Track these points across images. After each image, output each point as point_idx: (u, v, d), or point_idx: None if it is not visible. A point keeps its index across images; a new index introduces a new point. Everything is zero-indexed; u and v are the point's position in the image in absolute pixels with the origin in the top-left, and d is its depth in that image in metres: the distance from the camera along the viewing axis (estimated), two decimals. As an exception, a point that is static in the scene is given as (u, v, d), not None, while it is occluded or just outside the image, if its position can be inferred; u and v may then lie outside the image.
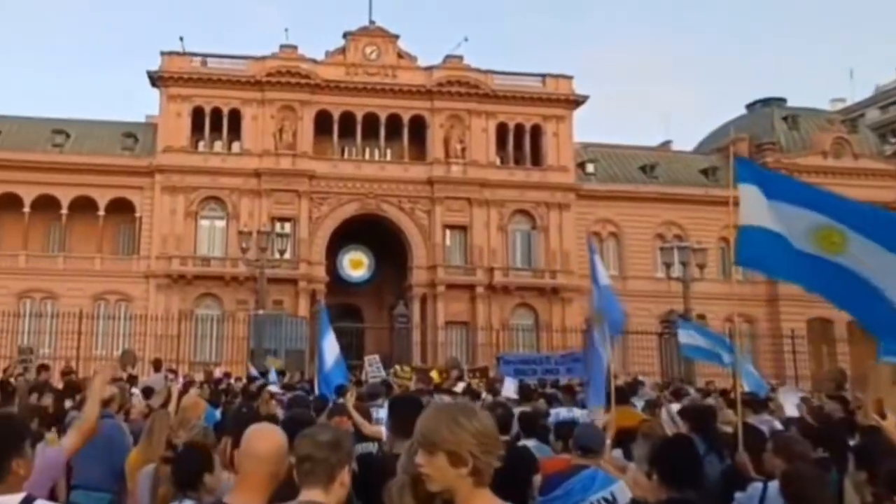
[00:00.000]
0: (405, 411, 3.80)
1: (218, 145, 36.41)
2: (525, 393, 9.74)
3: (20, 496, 2.43)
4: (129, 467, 4.63)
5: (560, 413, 7.69)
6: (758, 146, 38.84)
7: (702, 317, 25.54)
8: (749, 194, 4.36)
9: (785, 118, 40.96)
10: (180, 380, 12.46)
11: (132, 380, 11.80)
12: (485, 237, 36.19)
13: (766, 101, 42.69)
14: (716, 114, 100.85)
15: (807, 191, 4.55)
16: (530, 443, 5.34)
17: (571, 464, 4.04)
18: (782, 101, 43.14)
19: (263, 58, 36.25)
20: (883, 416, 4.45)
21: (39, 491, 2.97)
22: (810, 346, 32.10)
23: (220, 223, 35.40)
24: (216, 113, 35.84)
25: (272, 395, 8.81)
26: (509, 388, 10.78)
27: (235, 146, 36.32)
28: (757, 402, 7.83)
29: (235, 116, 35.96)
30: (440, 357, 28.09)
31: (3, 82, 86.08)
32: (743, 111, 44.36)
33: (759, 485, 3.85)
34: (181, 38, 36.29)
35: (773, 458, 4.07)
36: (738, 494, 3.90)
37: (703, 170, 39.74)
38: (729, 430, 5.76)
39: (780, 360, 28.20)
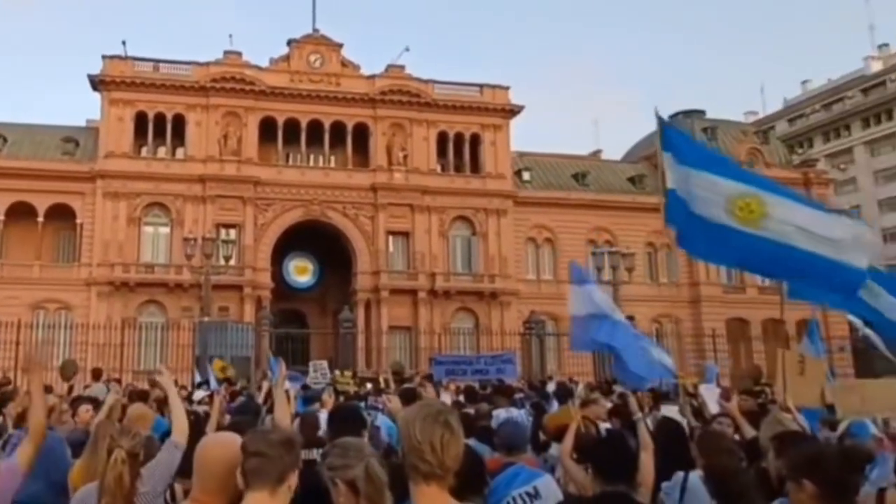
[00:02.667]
0: (346, 423, 3.75)
1: (161, 151, 35.25)
2: (470, 395, 9.82)
3: None
4: (73, 481, 4.42)
5: (500, 414, 7.78)
6: (680, 156, 39.92)
7: (631, 318, 26.16)
8: (670, 161, 4.33)
9: (704, 129, 42.29)
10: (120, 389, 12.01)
11: (70, 390, 11.35)
12: (426, 243, 36.17)
13: (688, 113, 44.00)
14: (642, 124, 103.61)
15: (724, 161, 4.48)
16: (469, 442, 5.43)
17: (501, 462, 4.08)
18: (702, 112, 44.55)
19: (208, 63, 35.38)
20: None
21: None
22: (729, 345, 33.39)
23: (164, 230, 34.31)
24: (159, 118, 34.75)
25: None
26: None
27: (179, 152, 35.25)
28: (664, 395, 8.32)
29: (179, 122, 34.94)
30: (384, 362, 27.99)
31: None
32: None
33: (680, 474, 3.96)
34: (123, 42, 35.42)
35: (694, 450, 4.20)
36: (664, 484, 4.03)
37: (630, 178, 40.77)
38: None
39: (703, 358, 29.23)
